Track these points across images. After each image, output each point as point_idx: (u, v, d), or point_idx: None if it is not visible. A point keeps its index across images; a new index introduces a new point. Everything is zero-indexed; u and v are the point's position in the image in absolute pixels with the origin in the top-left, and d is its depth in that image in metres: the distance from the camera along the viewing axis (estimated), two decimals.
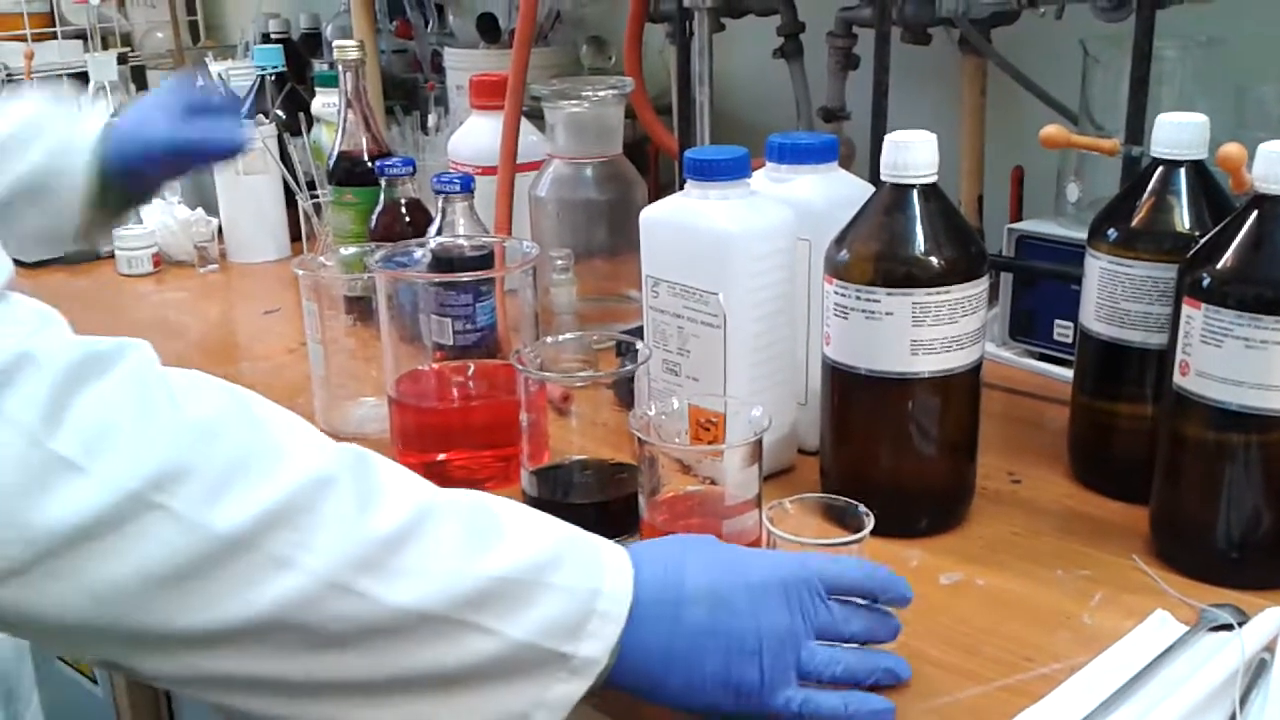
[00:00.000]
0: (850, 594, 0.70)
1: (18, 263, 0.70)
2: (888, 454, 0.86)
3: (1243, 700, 0.66)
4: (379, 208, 1.25)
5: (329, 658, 0.58)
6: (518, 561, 0.61)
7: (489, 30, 1.63)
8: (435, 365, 0.99)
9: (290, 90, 1.68)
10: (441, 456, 0.96)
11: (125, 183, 1.03)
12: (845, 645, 0.68)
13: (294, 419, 0.62)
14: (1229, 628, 0.71)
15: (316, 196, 1.42)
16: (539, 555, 0.62)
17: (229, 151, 1.06)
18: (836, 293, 0.83)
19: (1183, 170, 0.83)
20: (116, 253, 1.60)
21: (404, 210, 1.23)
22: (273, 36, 1.94)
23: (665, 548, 0.70)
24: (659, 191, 1.41)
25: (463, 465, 0.96)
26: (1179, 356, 0.77)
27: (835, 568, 0.70)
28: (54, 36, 2.24)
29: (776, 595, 0.67)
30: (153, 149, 1.02)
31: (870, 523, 0.75)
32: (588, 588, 0.63)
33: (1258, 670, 0.68)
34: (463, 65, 1.62)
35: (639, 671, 0.65)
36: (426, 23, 1.83)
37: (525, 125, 1.29)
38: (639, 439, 0.79)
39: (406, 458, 0.96)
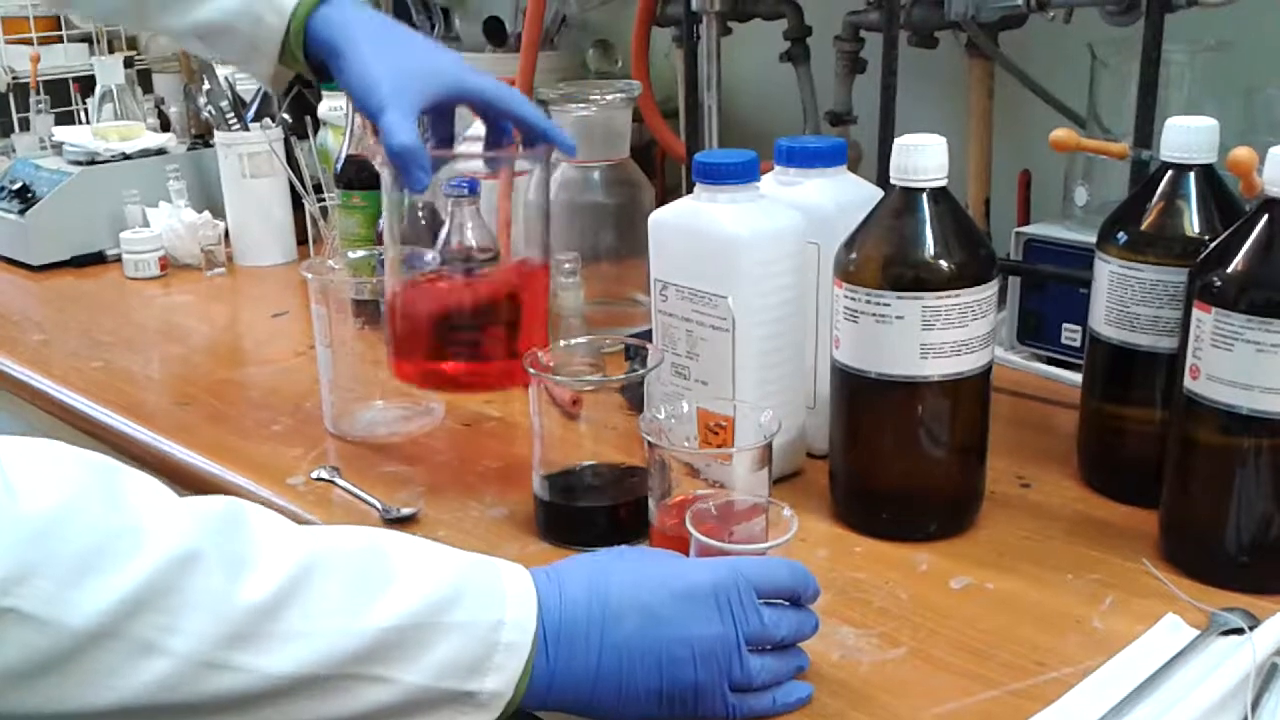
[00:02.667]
0: (779, 597, 0.70)
1: (23, 265, 0.69)
2: (897, 458, 0.86)
3: (1254, 704, 0.65)
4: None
5: None
6: (410, 607, 0.60)
7: (495, 34, 1.63)
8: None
9: (297, 94, 1.68)
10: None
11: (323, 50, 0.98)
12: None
13: (156, 488, 0.59)
14: (1240, 632, 0.71)
15: (323, 200, 1.42)
16: (434, 595, 0.61)
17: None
18: (846, 296, 0.83)
19: (1192, 174, 0.83)
20: (123, 256, 1.60)
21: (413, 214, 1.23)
22: None
23: (590, 563, 0.69)
24: (665, 195, 1.42)
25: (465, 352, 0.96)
26: (1189, 360, 0.77)
27: (764, 571, 0.69)
28: (60, 40, 2.24)
29: (707, 603, 0.66)
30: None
31: (795, 524, 0.74)
32: (489, 621, 0.62)
33: (1269, 674, 0.68)
34: None
35: (566, 691, 0.65)
36: (432, 26, 1.82)
37: None
38: (649, 443, 0.79)
39: (403, 362, 0.96)
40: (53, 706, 0.54)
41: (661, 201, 0.98)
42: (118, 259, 1.62)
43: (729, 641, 0.66)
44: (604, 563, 0.69)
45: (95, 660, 0.54)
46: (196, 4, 0.99)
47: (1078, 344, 1.09)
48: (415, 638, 0.60)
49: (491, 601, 0.63)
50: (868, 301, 0.82)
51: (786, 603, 0.70)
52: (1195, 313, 0.76)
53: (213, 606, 0.56)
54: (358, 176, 1.36)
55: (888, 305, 0.81)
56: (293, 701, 0.58)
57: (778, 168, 0.96)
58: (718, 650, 0.66)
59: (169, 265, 1.62)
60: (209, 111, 1.61)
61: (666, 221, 0.92)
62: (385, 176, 0.95)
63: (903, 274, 0.81)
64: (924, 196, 0.81)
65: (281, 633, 0.57)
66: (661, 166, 1.56)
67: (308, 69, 0.99)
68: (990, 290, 0.82)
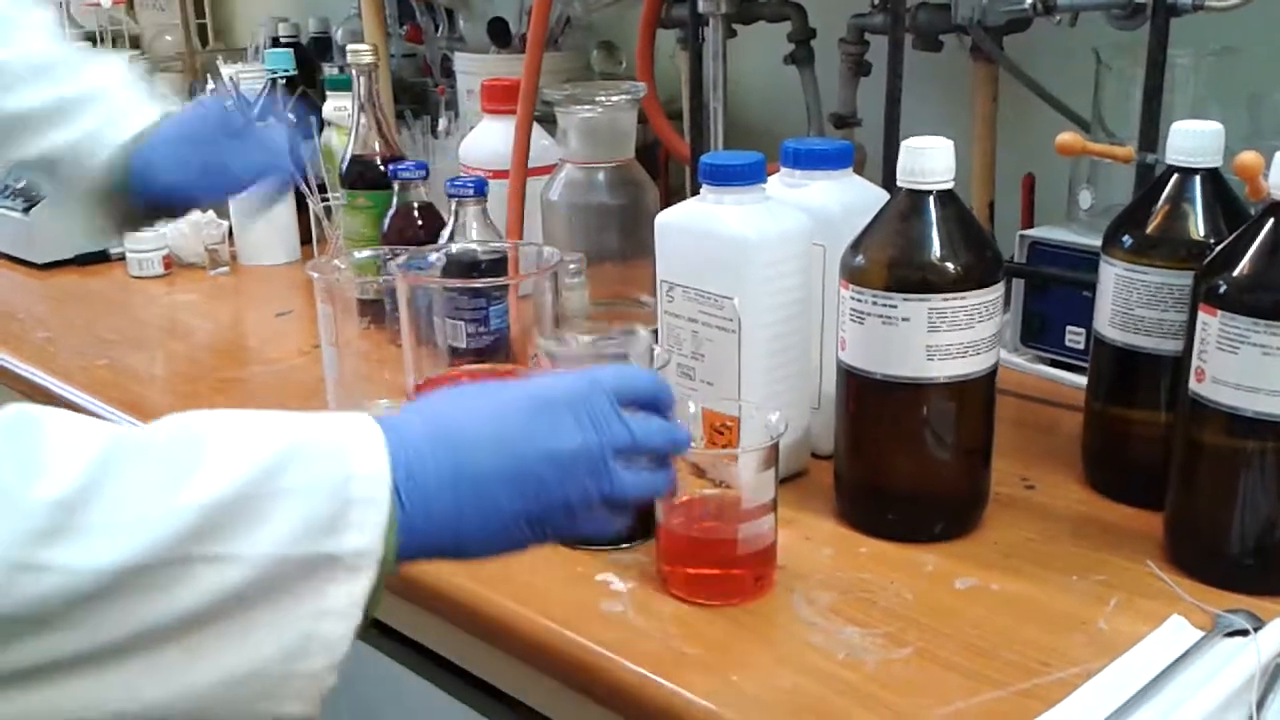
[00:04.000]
0: (642, 403, 0.65)
1: (27, 263, 0.70)
2: (902, 459, 0.86)
3: (1259, 705, 0.66)
4: (391, 211, 1.25)
5: (39, 641, 0.53)
6: (236, 477, 0.55)
7: (499, 35, 1.63)
8: (453, 370, 0.99)
9: (301, 94, 1.68)
10: None
11: (149, 195, 1.03)
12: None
13: None
14: (1245, 633, 0.71)
15: (327, 200, 1.42)
16: (262, 462, 0.56)
17: (274, 180, 1.02)
18: (852, 298, 0.84)
19: (1198, 178, 0.84)
20: (127, 255, 1.60)
21: (416, 214, 1.24)
22: (282, 40, 1.95)
23: (433, 403, 0.65)
24: (669, 196, 1.42)
25: None
26: (1194, 363, 0.77)
27: (623, 378, 0.65)
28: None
29: (564, 415, 0.62)
30: (185, 170, 0.99)
31: (645, 334, 0.71)
32: (332, 478, 0.57)
33: (1273, 675, 0.68)
34: (473, 70, 1.62)
35: (433, 537, 0.60)
36: (436, 27, 1.83)
37: (536, 130, 1.30)
38: None
39: None
40: None
41: (665, 203, 0.99)
42: (121, 258, 1.62)
43: (594, 453, 0.62)
44: (447, 397, 0.65)
45: None
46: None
47: (1081, 346, 1.09)
48: (252, 507, 0.55)
49: (332, 457, 0.58)
50: (874, 303, 0.82)
51: (652, 413, 0.66)
52: (1200, 316, 0.76)
53: (8, 506, 0.52)
54: (362, 176, 1.36)
55: (894, 307, 0.81)
56: (130, 599, 0.53)
57: (784, 169, 0.97)
58: (583, 463, 0.62)
59: (173, 264, 1.62)
60: None
61: (673, 223, 0.93)
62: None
63: (909, 276, 0.81)
64: (931, 199, 0.82)
65: (92, 525, 0.53)
66: (665, 168, 1.56)
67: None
68: (996, 292, 0.82)
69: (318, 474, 0.57)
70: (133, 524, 0.54)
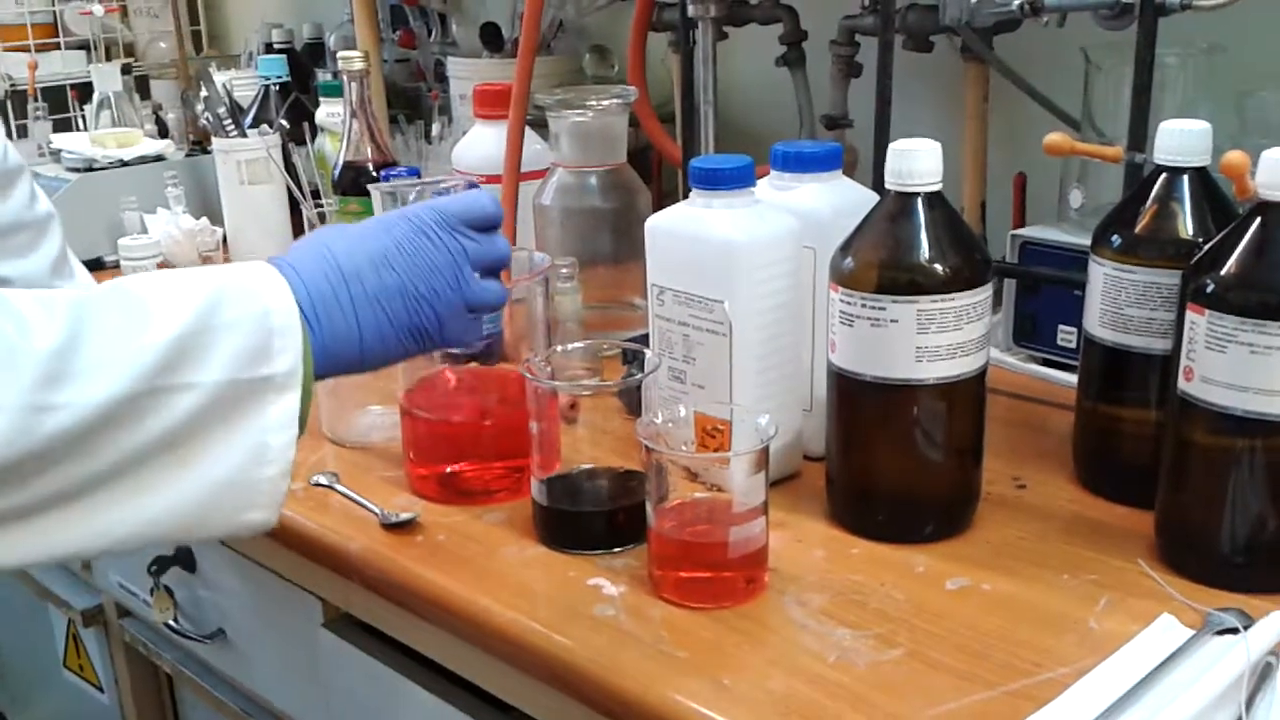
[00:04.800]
0: (482, 225, 0.78)
1: None
2: (893, 460, 0.86)
3: (1249, 704, 0.66)
4: None
5: (56, 473, 0.63)
6: (184, 317, 0.66)
7: (492, 39, 1.64)
8: (446, 376, 0.99)
9: (294, 100, 1.69)
10: (453, 468, 0.96)
11: None
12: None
13: None
14: (1235, 631, 0.71)
15: (320, 206, 1.42)
16: (199, 304, 0.67)
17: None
18: (842, 300, 0.84)
19: (1186, 177, 0.84)
20: (121, 262, 1.60)
21: None
22: (276, 46, 1.94)
23: (311, 242, 0.76)
24: (662, 200, 1.42)
25: (475, 476, 0.96)
26: (1183, 362, 0.77)
27: (465, 203, 0.78)
28: (57, 47, 2.25)
29: (424, 241, 0.76)
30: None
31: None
32: (255, 313, 0.68)
33: (1263, 674, 0.68)
34: (466, 74, 1.63)
35: (337, 356, 0.73)
36: (430, 32, 1.83)
37: (529, 134, 1.30)
38: (646, 447, 0.79)
39: (418, 468, 0.97)
40: None
41: (658, 206, 0.99)
42: (116, 265, 1.62)
43: (454, 263, 0.76)
44: (324, 237, 0.76)
45: None
46: None
47: (1073, 345, 1.10)
48: (199, 342, 0.66)
49: (251, 296, 0.69)
50: (863, 305, 0.82)
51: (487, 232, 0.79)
52: (1189, 315, 0.76)
53: (12, 360, 0.61)
54: (355, 182, 1.36)
55: (883, 309, 0.81)
56: (120, 428, 0.64)
57: (774, 172, 0.97)
58: (447, 273, 0.76)
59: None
60: (206, 118, 1.61)
61: (663, 227, 0.93)
62: None
63: (897, 278, 0.81)
64: (919, 201, 0.82)
65: (85, 367, 0.63)
66: (658, 171, 1.56)
67: None
68: (985, 294, 0.83)
69: (242, 310, 0.68)
70: (114, 364, 0.64)
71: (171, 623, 1.22)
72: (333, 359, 0.73)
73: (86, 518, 0.65)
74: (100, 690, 1.53)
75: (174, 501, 0.67)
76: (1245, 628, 0.71)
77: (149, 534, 0.68)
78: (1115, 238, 0.86)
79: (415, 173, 1.24)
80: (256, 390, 0.68)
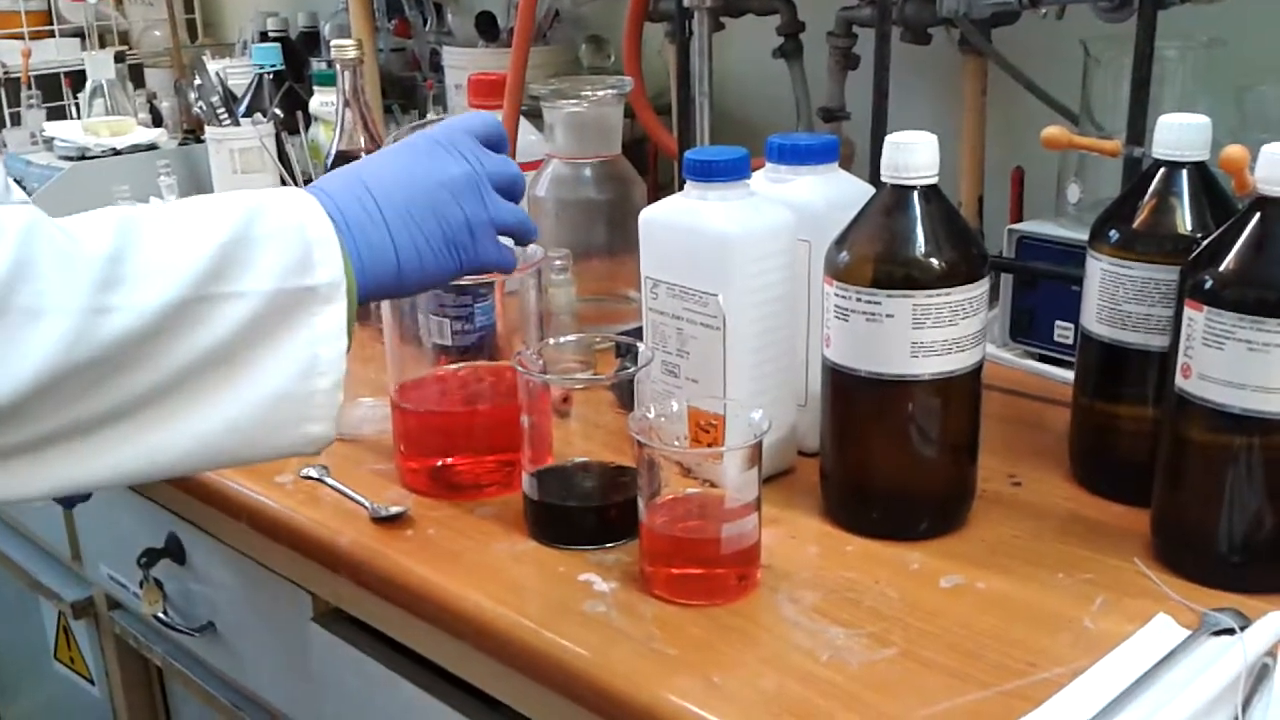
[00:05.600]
0: (493, 140, 0.81)
1: None
2: (888, 456, 0.85)
3: (1245, 705, 0.65)
4: None
5: (118, 381, 0.64)
6: (226, 227, 0.67)
7: (488, 29, 1.62)
8: (437, 369, 0.98)
9: (288, 89, 1.67)
10: (444, 461, 0.95)
11: None
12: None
13: None
14: (1231, 632, 0.71)
15: None
16: (239, 216, 0.68)
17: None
18: (837, 294, 0.83)
19: (1184, 172, 0.83)
20: None
21: None
22: (271, 35, 1.93)
23: (336, 175, 0.78)
24: (658, 191, 1.41)
25: (466, 469, 0.95)
26: (1181, 359, 0.76)
27: (470, 120, 0.81)
28: (51, 35, 2.24)
29: (444, 154, 0.78)
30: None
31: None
32: (293, 224, 0.69)
33: (1260, 675, 0.68)
34: (461, 64, 1.62)
35: (376, 273, 0.74)
36: (425, 21, 1.82)
37: (524, 125, 1.29)
38: (638, 441, 0.79)
39: (409, 461, 0.96)
40: None
41: (654, 198, 0.98)
42: None
43: (474, 177, 0.77)
44: (350, 166, 0.78)
45: None
46: None
47: (1070, 341, 1.09)
48: (244, 252, 0.67)
49: (284, 211, 0.70)
50: (858, 300, 0.81)
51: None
52: (1187, 311, 0.75)
53: (70, 264, 0.62)
54: None
55: (878, 304, 0.81)
56: (175, 335, 0.65)
57: (769, 165, 0.96)
58: (468, 185, 0.77)
59: None
60: (200, 106, 1.60)
61: (656, 219, 0.92)
62: None
63: (893, 272, 0.81)
64: (915, 194, 0.81)
65: (137, 272, 0.64)
66: (654, 163, 1.55)
67: None
68: (981, 289, 0.82)
69: (280, 223, 0.69)
70: (166, 269, 0.65)
71: (161, 615, 1.22)
72: (371, 277, 0.74)
73: (144, 433, 0.66)
74: (91, 682, 1.52)
75: (230, 416, 0.68)
76: (1242, 628, 0.71)
77: (207, 451, 0.69)
78: (1113, 233, 0.85)
79: None
80: (303, 301, 0.69)
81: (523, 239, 0.85)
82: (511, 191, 0.82)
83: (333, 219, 0.72)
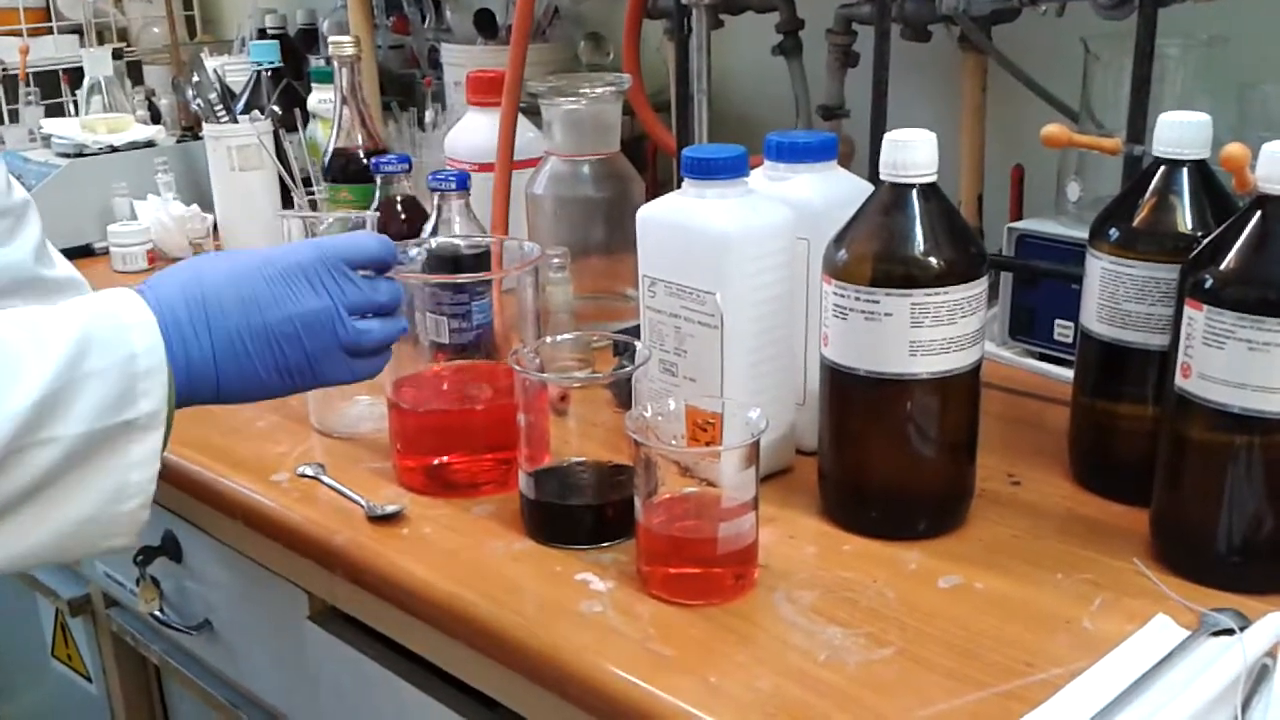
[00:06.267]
0: (370, 266, 0.79)
1: None
2: (886, 455, 0.85)
3: (1244, 706, 0.65)
4: (374, 205, 1.24)
5: None
6: (47, 375, 0.68)
7: (486, 26, 1.62)
8: (434, 367, 0.98)
9: (286, 86, 1.67)
10: (441, 460, 0.95)
11: None
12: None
13: None
14: (1231, 632, 0.71)
15: (312, 193, 1.41)
16: (62, 358, 0.68)
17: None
18: (835, 293, 0.82)
19: (1185, 170, 0.83)
20: (111, 249, 1.59)
21: (400, 208, 1.22)
22: (269, 32, 1.93)
23: (181, 270, 0.77)
24: (657, 189, 1.41)
25: (462, 468, 0.95)
26: (1181, 358, 0.76)
27: (351, 244, 0.79)
28: (49, 31, 2.23)
29: (300, 281, 0.76)
30: None
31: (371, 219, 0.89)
32: (121, 358, 0.70)
33: (1260, 676, 0.67)
34: (460, 61, 1.61)
35: (197, 392, 0.75)
36: (424, 18, 1.82)
37: (522, 122, 1.28)
38: (635, 440, 0.78)
39: (405, 459, 0.95)
40: None
41: (653, 196, 0.97)
42: (105, 252, 1.61)
43: (329, 312, 0.76)
44: (196, 265, 0.77)
45: None
46: None
47: (1070, 340, 1.08)
48: (63, 397, 0.68)
49: (118, 341, 0.70)
50: (857, 298, 0.81)
51: (378, 274, 0.80)
52: (1187, 310, 0.75)
53: None
54: (345, 170, 1.35)
55: (876, 302, 0.80)
56: None
57: (767, 163, 0.95)
58: (321, 321, 0.76)
59: (157, 258, 1.60)
60: (198, 104, 1.60)
61: (654, 217, 0.92)
62: None
63: (891, 270, 0.80)
64: (913, 193, 0.81)
65: None
66: (653, 160, 1.55)
67: None
68: (980, 287, 0.81)
69: (108, 358, 0.70)
70: None
71: (157, 613, 1.21)
72: (189, 391, 0.75)
73: None
74: (88, 680, 1.52)
75: (35, 543, 0.70)
76: (1241, 629, 0.70)
77: (9, 569, 0.72)
78: (1113, 231, 0.85)
79: (406, 160, 1.23)
80: (119, 435, 0.70)
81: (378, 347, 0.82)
82: (382, 312, 0.81)
83: (164, 332, 0.72)
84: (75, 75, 2.00)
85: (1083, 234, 0.89)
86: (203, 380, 0.75)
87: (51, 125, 1.76)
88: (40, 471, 0.68)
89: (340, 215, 1.07)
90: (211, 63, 1.70)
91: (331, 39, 1.36)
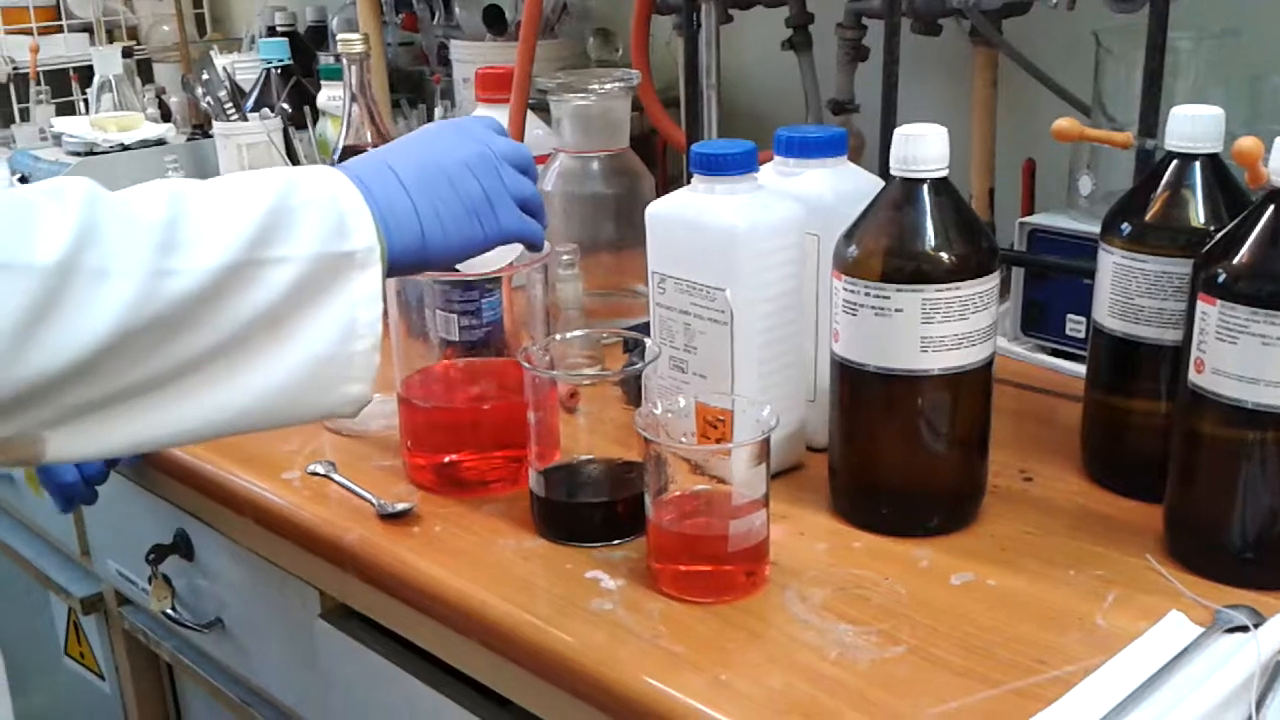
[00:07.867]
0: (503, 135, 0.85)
1: None
2: (897, 452, 0.85)
3: (1259, 704, 0.65)
4: None
5: (178, 342, 0.67)
6: (267, 197, 0.70)
7: (495, 22, 1.62)
8: (444, 364, 0.97)
9: (296, 83, 1.67)
10: (451, 457, 0.95)
11: None
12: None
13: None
14: (1245, 629, 0.70)
15: None
16: (275, 188, 0.71)
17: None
18: (845, 289, 0.82)
19: (1198, 164, 0.82)
20: None
21: None
22: (279, 29, 1.93)
23: (354, 159, 0.81)
24: (667, 185, 1.41)
25: (472, 466, 0.95)
26: (1194, 353, 0.75)
27: (479, 116, 0.87)
28: (60, 30, 2.24)
29: (458, 134, 0.82)
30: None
31: None
32: (326, 196, 0.72)
33: (1274, 673, 0.67)
34: (469, 58, 1.61)
35: (404, 239, 0.77)
36: (433, 15, 1.81)
37: (531, 118, 1.28)
38: (645, 438, 0.78)
39: (415, 457, 0.95)
40: (59, 357, 0.63)
41: (663, 192, 0.97)
42: None
43: (488, 154, 0.81)
44: (368, 152, 0.82)
45: (66, 295, 0.62)
46: None
47: (1082, 335, 1.08)
48: (285, 219, 0.70)
49: (315, 184, 0.73)
50: (867, 294, 0.81)
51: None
52: (1200, 305, 0.74)
53: (131, 229, 0.65)
54: None
55: (887, 298, 0.80)
56: (228, 298, 0.68)
57: (777, 158, 0.95)
58: (483, 163, 0.80)
59: None
60: (208, 101, 1.60)
61: (664, 213, 0.91)
62: None
63: (902, 266, 0.80)
64: (924, 187, 0.80)
65: (192, 237, 0.67)
66: (663, 156, 1.54)
67: None
68: (991, 283, 0.81)
69: (314, 194, 0.72)
70: (217, 235, 0.68)
71: (169, 611, 1.21)
72: (398, 244, 0.76)
73: (202, 392, 0.69)
74: (101, 678, 1.52)
75: (279, 376, 0.71)
76: (1256, 626, 0.70)
77: (259, 410, 0.71)
78: (1125, 226, 0.85)
79: None
80: (342, 265, 0.72)
81: (537, 216, 0.86)
82: (525, 173, 0.85)
83: (359, 190, 0.74)
84: (85, 74, 2.00)
85: (1095, 228, 0.89)
86: (408, 227, 0.77)
87: (62, 124, 1.76)
88: (279, 291, 0.69)
89: None
90: (221, 60, 1.70)
91: (341, 36, 1.36)
